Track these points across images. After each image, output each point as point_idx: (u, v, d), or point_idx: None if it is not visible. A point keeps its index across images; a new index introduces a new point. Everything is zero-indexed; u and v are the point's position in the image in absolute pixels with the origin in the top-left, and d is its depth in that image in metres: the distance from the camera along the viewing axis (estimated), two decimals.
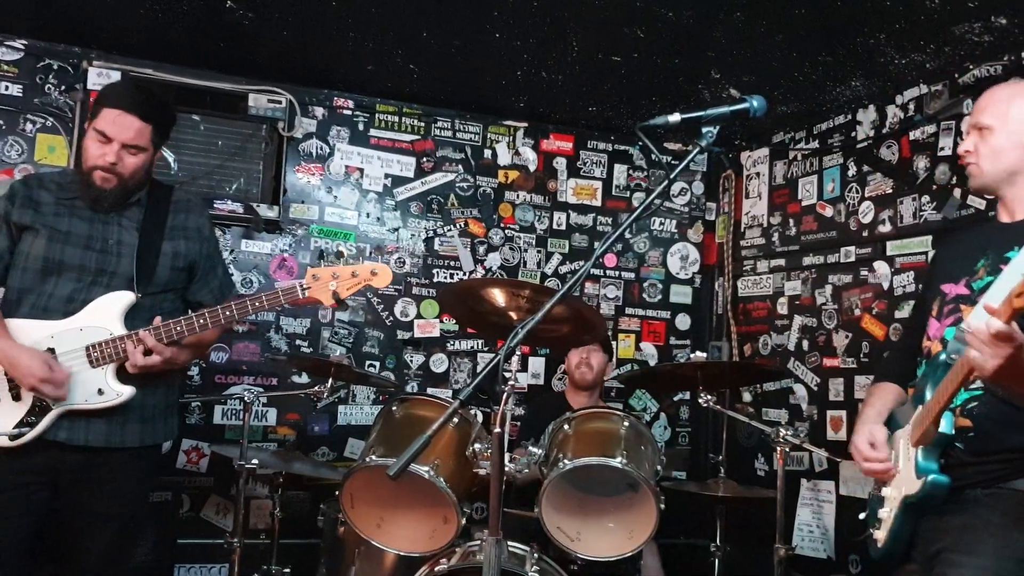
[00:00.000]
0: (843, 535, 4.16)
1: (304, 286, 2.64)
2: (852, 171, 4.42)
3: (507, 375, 2.63)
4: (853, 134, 4.42)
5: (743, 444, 4.82)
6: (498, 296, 3.02)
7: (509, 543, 3.00)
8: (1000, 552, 2.02)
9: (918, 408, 2.13)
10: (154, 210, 2.88)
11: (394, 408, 3.22)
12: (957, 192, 3.78)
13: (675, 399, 5.19)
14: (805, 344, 4.60)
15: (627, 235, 5.15)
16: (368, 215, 4.74)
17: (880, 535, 2.24)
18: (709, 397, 3.60)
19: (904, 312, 3.94)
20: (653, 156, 5.14)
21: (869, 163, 4.30)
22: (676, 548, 4.02)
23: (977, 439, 2.04)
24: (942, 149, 3.89)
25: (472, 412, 3.18)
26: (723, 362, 4.85)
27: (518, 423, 4.31)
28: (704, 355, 3.71)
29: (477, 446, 2.87)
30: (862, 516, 2.40)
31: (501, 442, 1.94)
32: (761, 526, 3.80)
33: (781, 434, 3.41)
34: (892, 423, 2.29)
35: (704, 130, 2.04)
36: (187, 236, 2.92)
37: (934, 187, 3.90)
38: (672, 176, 2.08)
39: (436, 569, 2.91)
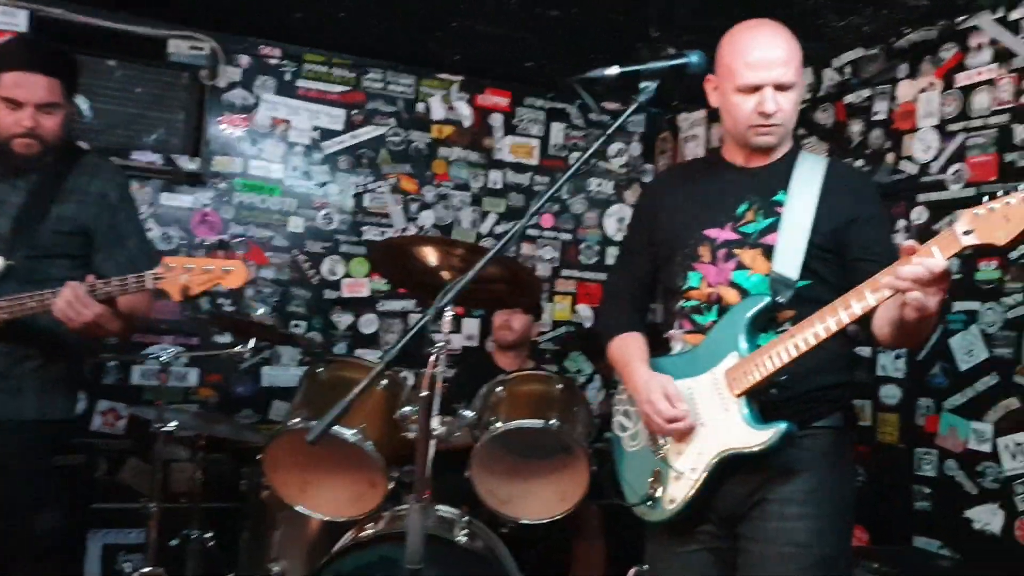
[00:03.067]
0: None
1: (156, 275, 2.47)
2: None
3: (437, 336, 2.55)
4: None
5: None
6: (430, 255, 2.96)
7: (439, 507, 2.96)
8: (824, 496, 2.07)
9: (728, 356, 2.06)
10: (54, 171, 2.71)
11: (319, 370, 3.16)
12: (890, 157, 3.78)
13: None
14: None
15: (564, 196, 5.07)
16: (295, 169, 4.56)
17: (676, 493, 2.13)
18: None
19: None
20: (591, 114, 5.07)
21: (804, 126, 4.26)
22: (612, 509, 4.00)
23: (790, 380, 2.03)
24: (876, 113, 3.88)
25: (402, 374, 3.12)
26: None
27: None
28: None
29: (406, 409, 2.78)
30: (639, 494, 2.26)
31: (429, 406, 1.85)
32: None
33: None
34: (661, 372, 2.23)
35: (642, 85, 2.00)
36: (82, 200, 2.72)
37: (868, 151, 3.90)
38: (610, 132, 2.03)
39: (361, 534, 2.86)
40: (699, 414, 2.12)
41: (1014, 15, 3.32)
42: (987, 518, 3.25)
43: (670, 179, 2.55)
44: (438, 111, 4.83)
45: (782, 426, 1.96)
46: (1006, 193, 1.67)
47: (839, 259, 2.13)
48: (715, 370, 2.10)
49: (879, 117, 3.87)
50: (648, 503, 2.21)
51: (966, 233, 1.70)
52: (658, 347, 2.36)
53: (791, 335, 1.96)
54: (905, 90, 3.75)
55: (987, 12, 3.41)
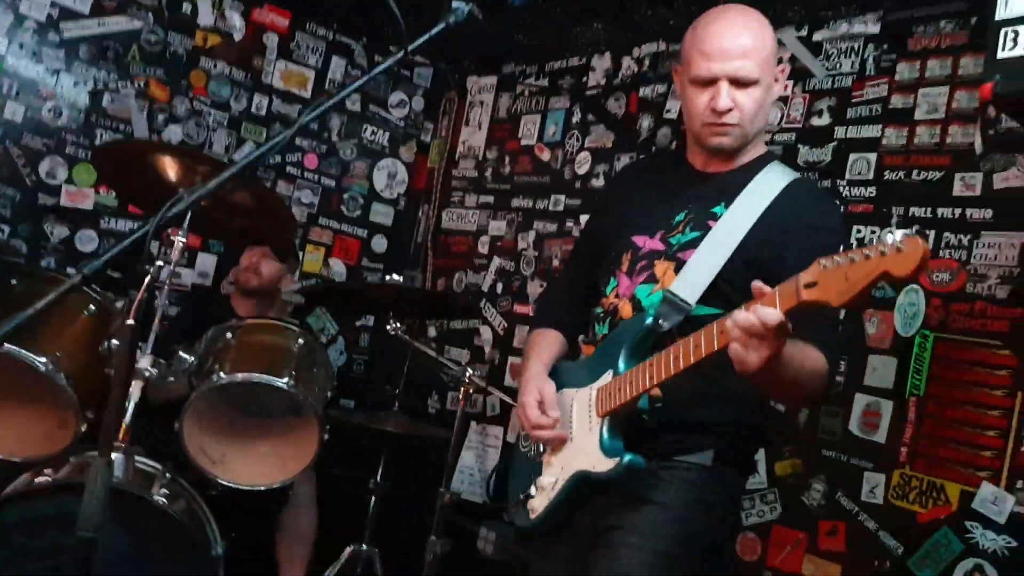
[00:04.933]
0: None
1: None
2: (577, 117, 4.29)
3: (159, 261, 2.15)
4: (584, 79, 4.30)
5: (422, 379, 4.60)
6: (170, 167, 2.58)
7: (139, 459, 2.58)
8: (671, 531, 1.92)
9: (606, 373, 1.94)
10: None
11: (14, 283, 2.67)
12: None
13: (357, 324, 4.86)
14: (499, 287, 4.45)
15: (334, 138, 4.70)
16: (22, 46, 3.87)
17: (537, 504, 2.05)
18: (397, 325, 3.35)
19: None
20: (377, 56, 4.72)
21: (595, 112, 4.20)
22: (335, 480, 3.74)
23: (665, 410, 1.93)
24: (668, 111, 3.86)
25: (116, 303, 2.69)
26: (422, 290, 4.63)
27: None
28: (401, 279, 3.45)
29: (115, 342, 2.42)
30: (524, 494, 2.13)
31: (134, 337, 1.49)
32: (427, 466, 3.69)
33: (468, 374, 3.22)
34: (557, 375, 2.12)
35: (455, 6, 1.84)
36: None
37: (653, 148, 3.86)
38: (409, 48, 1.82)
39: (37, 480, 2.45)
40: (572, 428, 2.01)
41: (817, 36, 3.38)
42: None
43: (633, 171, 2.43)
44: (206, 16, 4.30)
45: (626, 458, 1.84)
46: (860, 245, 1.46)
47: None
48: (593, 386, 1.98)
49: (670, 116, 3.84)
50: (517, 507, 2.12)
51: (808, 286, 1.49)
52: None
53: (650, 363, 1.82)
54: None
55: (792, 29, 3.44)
